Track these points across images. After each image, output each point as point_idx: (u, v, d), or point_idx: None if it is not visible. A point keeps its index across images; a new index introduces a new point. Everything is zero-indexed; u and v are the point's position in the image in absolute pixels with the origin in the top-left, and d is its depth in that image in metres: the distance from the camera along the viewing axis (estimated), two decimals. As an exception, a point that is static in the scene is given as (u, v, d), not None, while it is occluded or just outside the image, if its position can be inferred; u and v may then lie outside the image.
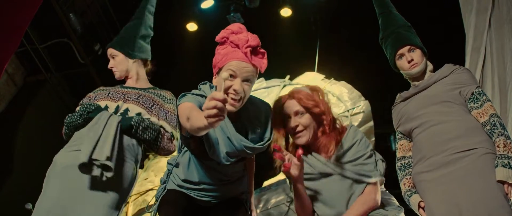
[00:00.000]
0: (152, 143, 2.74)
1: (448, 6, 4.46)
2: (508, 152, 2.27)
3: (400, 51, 2.71)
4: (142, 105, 2.79)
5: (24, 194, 4.13)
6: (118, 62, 2.98)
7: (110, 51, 3.01)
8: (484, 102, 2.47)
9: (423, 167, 2.48)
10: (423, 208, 2.49)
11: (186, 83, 2.68)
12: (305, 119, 2.25)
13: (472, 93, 2.51)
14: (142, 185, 5.62)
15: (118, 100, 2.79)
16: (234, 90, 2.03)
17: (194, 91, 2.25)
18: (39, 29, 5.97)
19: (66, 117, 2.70)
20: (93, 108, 2.68)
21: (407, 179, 2.63)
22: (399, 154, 2.73)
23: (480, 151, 2.33)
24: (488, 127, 2.39)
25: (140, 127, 2.65)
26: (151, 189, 5.99)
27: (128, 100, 2.80)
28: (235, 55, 2.06)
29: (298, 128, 2.24)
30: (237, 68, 2.04)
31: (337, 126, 2.36)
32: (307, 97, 2.26)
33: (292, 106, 2.27)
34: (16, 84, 6.10)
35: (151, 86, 3.04)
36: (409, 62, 2.68)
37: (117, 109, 2.73)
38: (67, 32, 5.99)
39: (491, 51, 3.63)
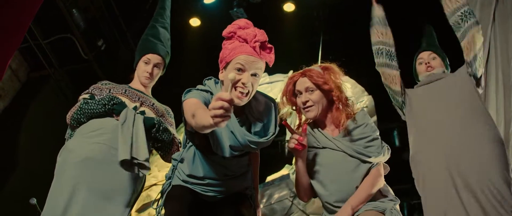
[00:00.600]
0: (166, 146, 2.76)
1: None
2: None
3: (420, 55, 2.98)
4: (156, 112, 2.81)
5: (28, 189, 4.15)
6: (157, 74, 2.95)
7: (159, 60, 2.92)
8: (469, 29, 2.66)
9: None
10: None
11: (190, 78, 2.68)
12: (315, 95, 2.42)
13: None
14: (146, 180, 5.65)
15: (135, 101, 2.79)
16: (243, 83, 2.05)
17: (199, 86, 2.25)
18: (42, 25, 5.96)
19: (83, 103, 2.66)
20: (119, 101, 2.67)
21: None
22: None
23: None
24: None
25: (161, 127, 2.69)
26: (155, 184, 6.01)
27: (144, 104, 2.81)
28: (244, 49, 2.08)
29: (308, 103, 2.41)
30: (245, 62, 2.06)
31: (350, 104, 2.50)
32: (317, 75, 2.42)
33: (304, 83, 2.44)
34: (20, 79, 6.12)
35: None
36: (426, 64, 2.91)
37: (134, 109, 2.73)
38: (70, 28, 5.98)
39: (495, 46, 3.62)
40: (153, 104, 2.85)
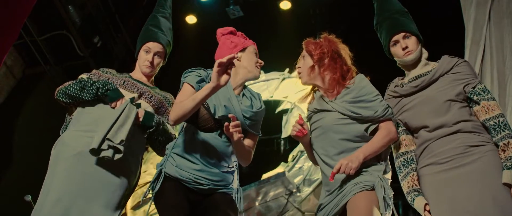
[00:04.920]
0: (161, 146, 2.74)
1: (448, -1, 4.45)
2: None
3: (394, 38, 2.63)
4: (153, 105, 2.77)
5: (23, 186, 4.14)
6: (158, 64, 2.92)
7: (160, 48, 2.89)
8: (489, 100, 2.40)
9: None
10: (429, 211, 2.38)
11: (185, 75, 2.69)
12: (307, 60, 2.64)
13: (473, 87, 2.42)
14: (141, 178, 5.62)
15: (133, 92, 2.76)
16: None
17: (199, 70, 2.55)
18: (38, 21, 5.95)
19: (76, 82, 2.71)
20: (113, 87, 2.66)
21: (410, 177, 2.51)
22: (401, 149, 2.58)
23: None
24: (492, 123, 2.34)
25: (159, 128, 2.69)
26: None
27: (142, 95, 2.76)
28: None
29: (298, 70, 2.68)
30: None
31: (350, 70, 2.64)
32: (314, 45, 2.65)
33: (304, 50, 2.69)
34: (15, 76, 6.10)
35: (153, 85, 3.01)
36: (403, 49, 2.59)
37: (132, 100, 2.70)
38: (66, 25, 5.98)
39: (490, 45, 3.62)
40: (152, 96, 2.80)
